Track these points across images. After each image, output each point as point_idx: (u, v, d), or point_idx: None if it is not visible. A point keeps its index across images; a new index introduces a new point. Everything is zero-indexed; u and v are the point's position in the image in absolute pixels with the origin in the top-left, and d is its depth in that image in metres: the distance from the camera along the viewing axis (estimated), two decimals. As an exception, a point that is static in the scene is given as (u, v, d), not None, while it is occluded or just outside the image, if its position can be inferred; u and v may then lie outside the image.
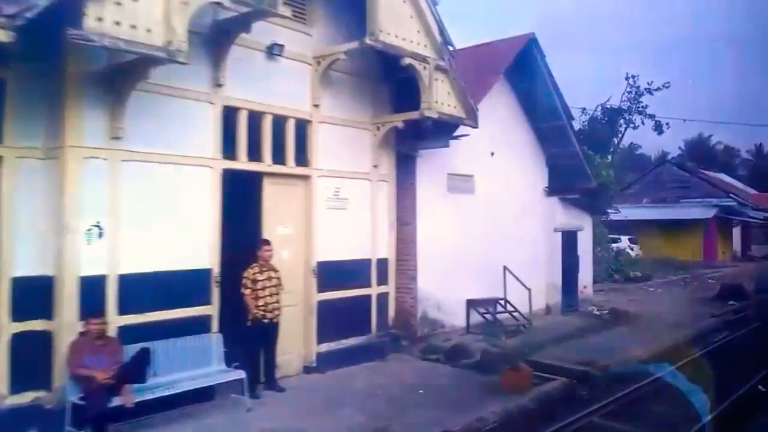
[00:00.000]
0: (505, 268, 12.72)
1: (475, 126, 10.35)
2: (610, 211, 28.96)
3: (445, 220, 11.54)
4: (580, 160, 14.45)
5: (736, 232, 40.90)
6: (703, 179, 44.44)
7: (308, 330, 8.86)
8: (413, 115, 9.41)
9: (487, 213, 12.59)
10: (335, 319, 9.14)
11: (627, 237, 33.79)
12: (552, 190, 14.63)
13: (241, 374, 7.22)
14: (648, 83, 31.26)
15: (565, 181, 14.79)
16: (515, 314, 12.53)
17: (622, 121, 31.56)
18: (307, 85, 8.91)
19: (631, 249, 33.31)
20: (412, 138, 10.49)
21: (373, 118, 9.93)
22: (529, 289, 12.58)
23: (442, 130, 10.32)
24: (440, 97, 9.59)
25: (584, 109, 32.19)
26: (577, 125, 32.90)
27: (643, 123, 31.45)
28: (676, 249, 34.44)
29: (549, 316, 14.25)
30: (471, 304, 11.98)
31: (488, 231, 12.55)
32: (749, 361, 10.53)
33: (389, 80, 10.09)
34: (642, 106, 31.10)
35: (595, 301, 16.13)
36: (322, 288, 8.99)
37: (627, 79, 31.72)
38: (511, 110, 13.54)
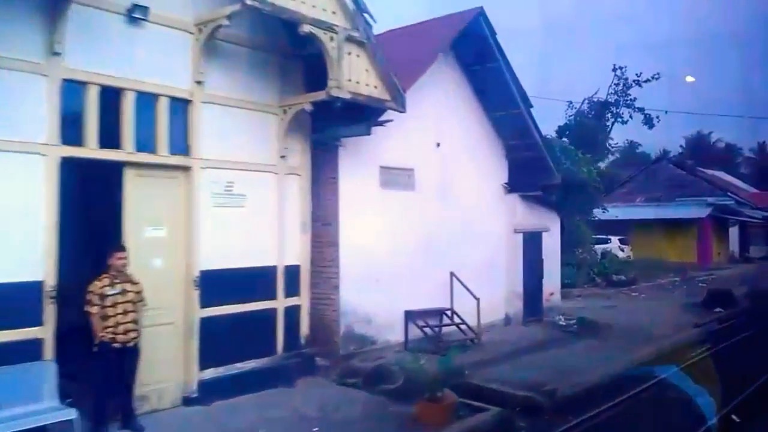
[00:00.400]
0: (452, 274, 11.37)
1: (401, 110, 8.99)
2: (596, 210, 28.22)
3: (377, 219, 10.19)
4: (543, 153, 13.09)
5: (734, 232, 39.58)
6: (700, 177, 43.21)
7: (188, 353, 7.47)
8: (320, 95, 8.05)
9: (432, 212, 11.24)
10: (226, 340, 7.76)
11: (617, 237, 32.65)
12: (512, 186, 13.28)
13: (71, 414, 5.85)
14: (637, 75, 29.93)
15: (527, 176, 13.44)
16: (463, 327, 11.17)
17: (609, 115, 30.15)
18: (188, 57, 7.54)
19: (622, 250, 32.07)
20: (334, 125, 9.14)
21: (281, 100, 8.57)
22: (477, 299, 11.21)
23: (363, 115, 8.96)
24: (355, 75, 8.25)
25: (570, 102, 30.84)
26: (562, 120, 31.74)
27: (631, 117, 30.08)
28: (670, 250, 33.09)
29: (509, 327, 12.90)
30: (410, 316, 10.62)
31: (433, 232, 11.19)
32: (727, 382, 9.17)
33: (302, 56, 8.73)
34: (630, 99, 29.72)
35: (564, 309, 14.76)
36: (207, 302, 7.61)
37: (614, 70, 30.42)
38: (462, 96, 12.18)
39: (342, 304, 9.54)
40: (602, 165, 47.98)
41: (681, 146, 69.94)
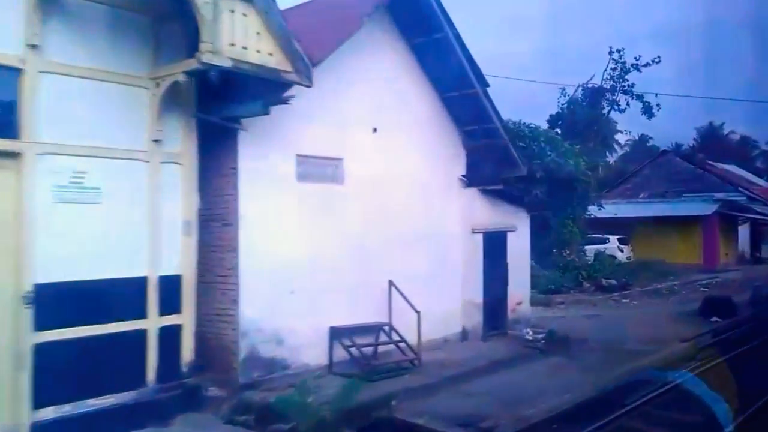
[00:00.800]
0: (391, 283, 10.14)
1: (306, 84, 7.75)
2: (593, 207, 26.93)
3: (293, 219, 8.94)
4: (504, 141, 11.83)
5: (744, 230, 38.34)
6: (709, 171, 41.98)
7: (17, 388, 6.22)
8: (193, 63, 6.80)
9: (367, 209, 9.99)
10: (73, 370, 6.54)
11: (616, 237, 31.40)
12: (471, 179, 12.03)
13: None
14: (635, 58, 28.61)
15: (489, 168, 12.21)
16: (403, 345, 9.94)
17: (605, 102, 28.85)
18: (18, 14, 6.29)
19: (621, 250, 30.99)
20: (226, 102, 7.88)
21: (153, 70, 7.32)
22: (417, 312, 9.95)
23: (263, 90, 7.71)
24: (241, 38, 7.00)
25: (563, 89, 29.51)
26: (554, 109, 30.43)
27: (628, 105, 28.77)
28: (674, 250, 31.82)
29: (465, 343, 11.66)
30: (337, 334, 9.37)
31: (368, 233, 9.96)
32: (707, 414, 7.97)
33: (185, 18, 7.44)
34: (628, 85, 28.41)
35: (535, 320, 13.55)
36: (45, 324, 6.36)
37: (611, 53, 29.08)
38: (407, 74, 10.92)
39: (243, 321, 8.28)
40: (611, 159, 46.91)
41: (694, 139, 68.76)
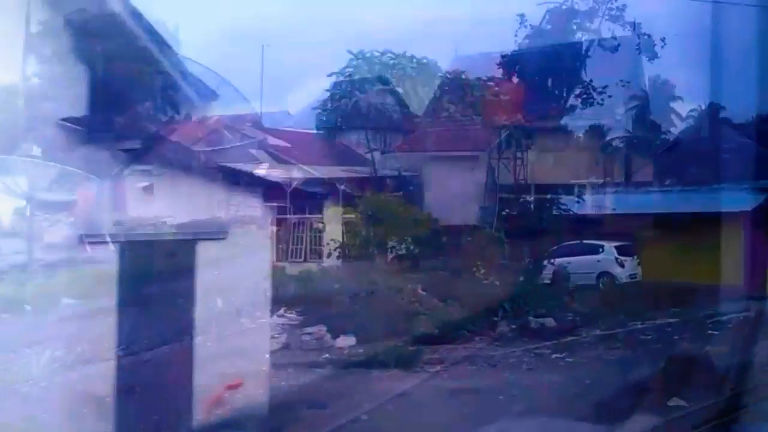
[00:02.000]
0: None
1: None
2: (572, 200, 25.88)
3: None
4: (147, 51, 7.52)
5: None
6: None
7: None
8: None
9: None
10: None
11: (614, 245, 28.13)
12: (99, 129, 7.56)
13: None
14: (630, -33, 24.43)
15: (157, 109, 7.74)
16: None
17: (580, 34, 24.72)
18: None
19: (621, 265, 27.97)
20: None
21: None
22: None
23: None
24: None
25: (523, 17, 25.22)
26: (511, 45, 26.22)
27: (615, 38, 24.64)
28: (702, 265, 27.61)
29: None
30: None
31: None
32: None
33: None
34: (616, 8, 24.22)
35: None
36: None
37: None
38: None
39: None
40: (669, 135, 43.16)
41: (775, 105, 64.93)
